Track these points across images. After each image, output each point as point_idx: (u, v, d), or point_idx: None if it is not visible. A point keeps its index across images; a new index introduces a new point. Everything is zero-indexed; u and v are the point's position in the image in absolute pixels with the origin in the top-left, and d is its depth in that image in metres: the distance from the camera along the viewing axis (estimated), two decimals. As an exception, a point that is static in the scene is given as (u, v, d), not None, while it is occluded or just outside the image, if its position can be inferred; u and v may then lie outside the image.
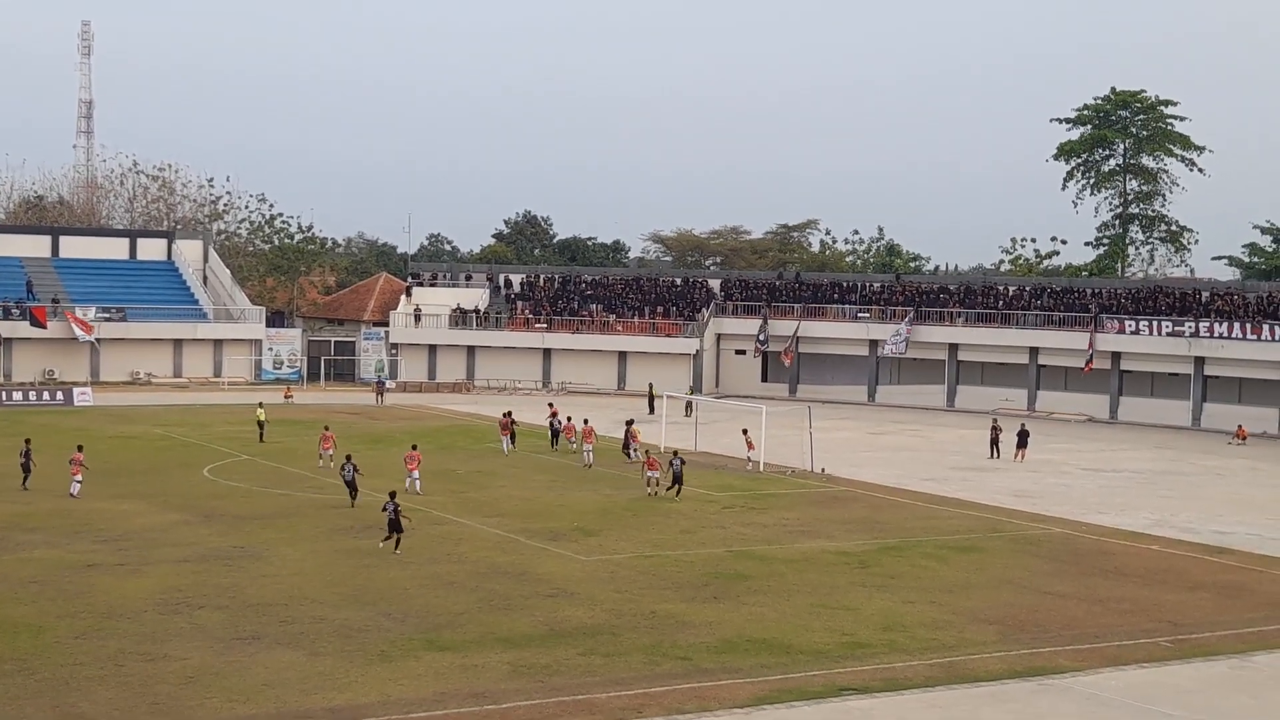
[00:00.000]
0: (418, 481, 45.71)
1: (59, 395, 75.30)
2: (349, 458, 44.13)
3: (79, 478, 43.84)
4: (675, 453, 48.88)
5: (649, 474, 47.08)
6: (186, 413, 66.73)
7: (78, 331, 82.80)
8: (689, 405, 70.16)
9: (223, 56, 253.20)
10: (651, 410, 72.86)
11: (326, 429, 53.95)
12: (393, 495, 36.87)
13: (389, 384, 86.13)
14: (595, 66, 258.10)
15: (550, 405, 65.85)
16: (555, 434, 60.46)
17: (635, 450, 55.47)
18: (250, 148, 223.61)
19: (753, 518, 43.43)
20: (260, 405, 61.61)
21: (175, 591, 31.28)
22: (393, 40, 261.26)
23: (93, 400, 74.61)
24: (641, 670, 26.26)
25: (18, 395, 74.70)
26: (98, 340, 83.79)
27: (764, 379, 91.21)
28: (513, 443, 58.02)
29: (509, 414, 59.85)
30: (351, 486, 43.11)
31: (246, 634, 27.88)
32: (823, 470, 53.56)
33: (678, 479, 46.63)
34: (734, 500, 46.74)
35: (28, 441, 46.74)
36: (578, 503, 45.36)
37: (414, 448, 47.86)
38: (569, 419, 59.62)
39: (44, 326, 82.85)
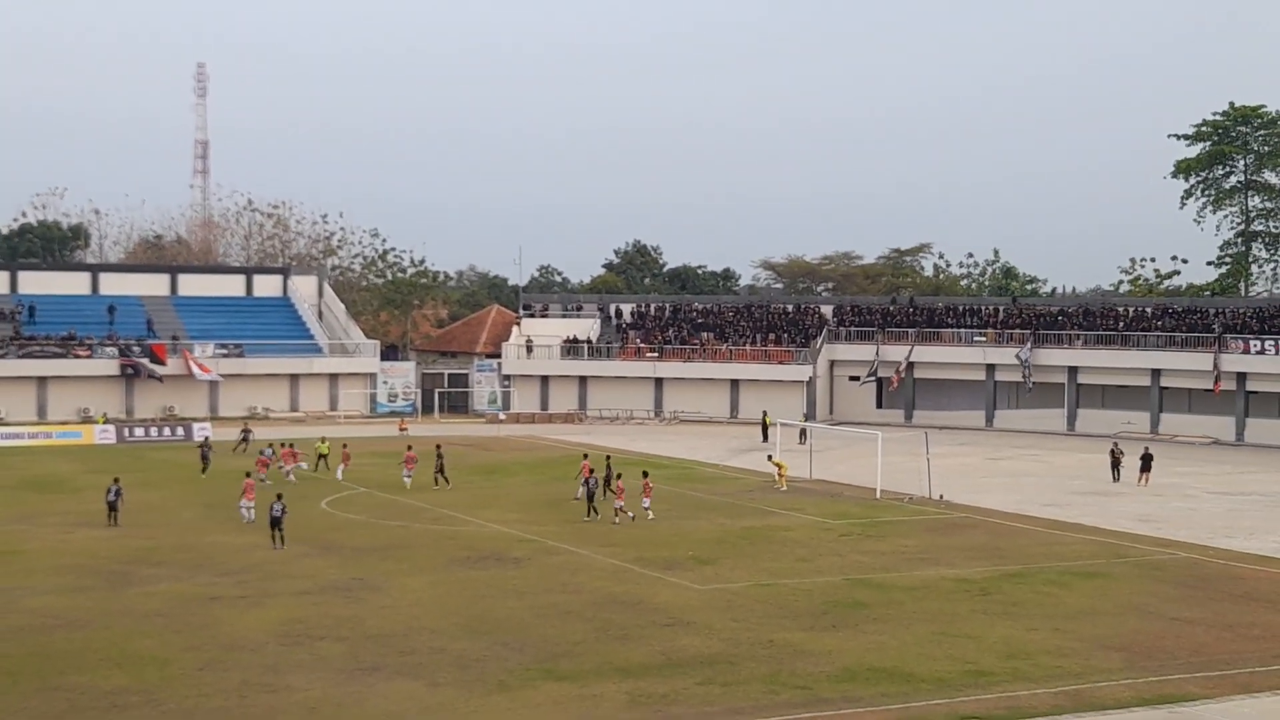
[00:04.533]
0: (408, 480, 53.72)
1: (179, 431, 76.53)
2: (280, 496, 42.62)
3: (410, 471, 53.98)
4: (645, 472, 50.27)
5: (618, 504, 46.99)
6: (303, 447, 67.40)
7: (196, 372, 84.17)
8: (803, 433, 69.71)
9: (333, 96, 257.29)
10: (765, 438, 72.49)
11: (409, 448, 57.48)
12: (280, 496, 41.97)
13: (501, 415, 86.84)
14: (700, 95, 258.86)
15: (585, 458, 54.50)
16: (592, 494, 49.14)
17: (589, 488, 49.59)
18: (361, 184, 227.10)
19: (870, 545, 42.91)
20: (323, 440, 63.08)
21: (296, 623, 31.50)
22: (500, 78, 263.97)
23: (212, 435, 75.70)
24: (761, 700, 25.92)
25: (139, 431, 76.01)
26: (221, 377, 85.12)
27: (879, 405, 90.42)
28: None
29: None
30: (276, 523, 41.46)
31: (366, 665, 27.97)
32: (941, 497, 52.87)
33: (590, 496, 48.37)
34: (851, 528, 46.21)
35: (116, 480, 47.06)
36: (692, 531, 45.10)
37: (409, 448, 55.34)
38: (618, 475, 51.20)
39: (164, 364, 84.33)
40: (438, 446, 57.69)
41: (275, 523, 41.27)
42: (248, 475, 48.68)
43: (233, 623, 31.55)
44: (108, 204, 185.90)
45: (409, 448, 57.05)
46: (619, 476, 50.37)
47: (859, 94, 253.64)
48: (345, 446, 59.77)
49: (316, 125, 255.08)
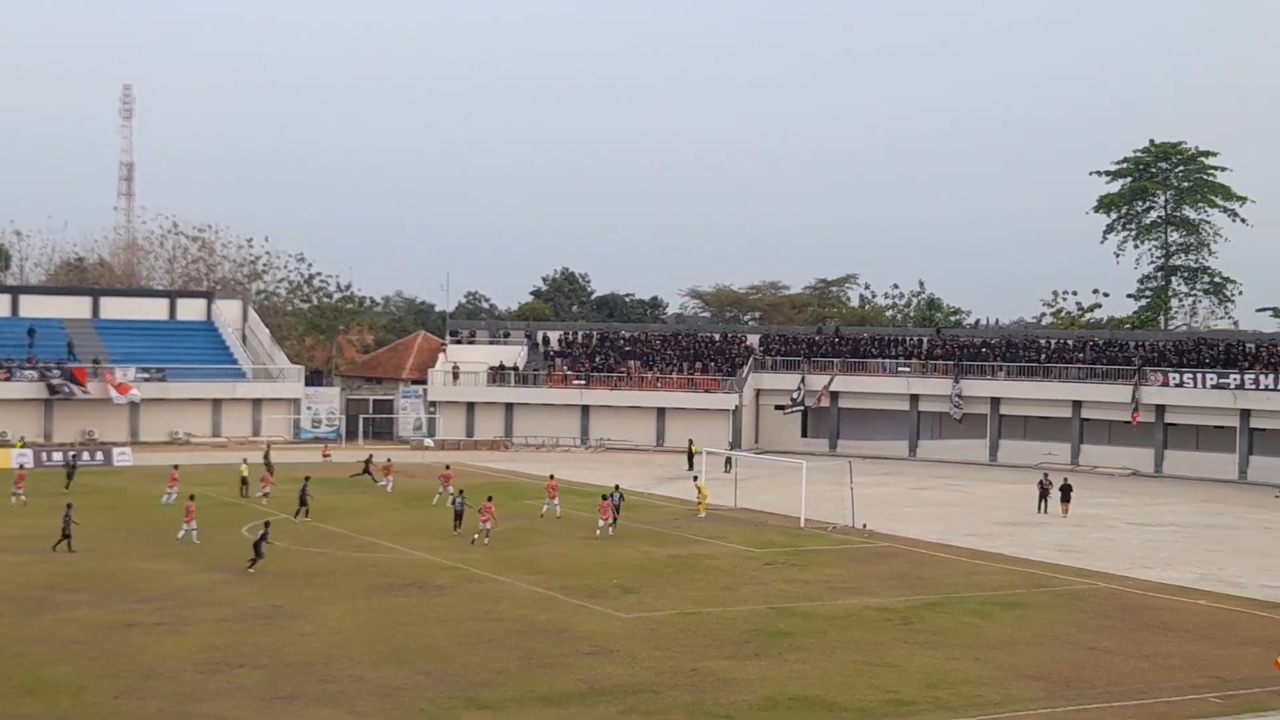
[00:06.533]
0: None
1: (99, 456, 75.51)
2: (461, 491, 51.63)
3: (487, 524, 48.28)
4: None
5: (482, 524, 47.65)
6: (225, 472, 66.78)
7: (114, 395, 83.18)
8: (728, 461, 69.83)
9: (261, 119, 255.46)
10: (690, 466, 72.57)
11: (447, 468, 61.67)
12: (266, 524, 43.66)
13: (428, 442, 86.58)
14: (630, 126, 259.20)
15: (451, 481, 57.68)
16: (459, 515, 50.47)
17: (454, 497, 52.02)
18: (288, 208, 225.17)
19: (794, 574, 43.04)
20: (245, 461, 63.67)
21: (214, 651, 31.15)
22: (430, 102, 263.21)
23: (132, 460, 74.81)
24: (683, 729, 25.90)
25: (57, 456, 74.84)
26: (140, 400, 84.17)
27: (804, 434, 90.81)
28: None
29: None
30: (459, 515, 49.56)
31: (285, 693, 27.69)
32: (864, 526, 53.11)
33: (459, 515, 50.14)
34: (775, 556, 46.35)
35: (70, 505, 46.69)
36: (617, 559, 45.07)
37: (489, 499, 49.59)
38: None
39: (84, 387, 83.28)
40: (306, 478, 57.16)
41: (256, 547, 42.02)
42: (191, 499, 48.52)
43: (150, 650, 31.14)
44: (29, 225, 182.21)
45: (446, 467, 61.83)
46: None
47: (787, 131, 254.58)
48: (389, 461, 65.90)
49: (244, 149, 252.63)
